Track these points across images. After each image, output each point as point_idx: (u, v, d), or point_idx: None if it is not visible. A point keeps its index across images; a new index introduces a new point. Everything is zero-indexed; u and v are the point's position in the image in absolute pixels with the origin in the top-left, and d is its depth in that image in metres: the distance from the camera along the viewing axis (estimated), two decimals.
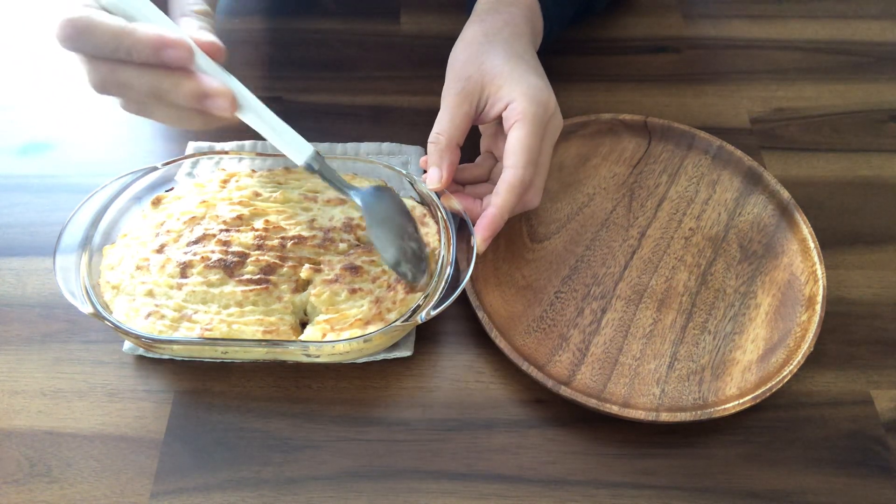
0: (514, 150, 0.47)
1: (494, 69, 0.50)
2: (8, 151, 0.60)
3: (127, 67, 0.39)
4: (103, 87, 0.40)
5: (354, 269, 0.47)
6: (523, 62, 0.51)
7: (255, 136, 0.59)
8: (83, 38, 0.38)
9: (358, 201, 0.46)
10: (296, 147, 0.44)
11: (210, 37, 0.41)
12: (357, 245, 0.49)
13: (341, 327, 0.45)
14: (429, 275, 0.48)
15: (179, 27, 0.42)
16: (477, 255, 0.47)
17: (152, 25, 0.39)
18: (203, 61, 0.41)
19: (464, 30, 0.54)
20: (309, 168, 0.45)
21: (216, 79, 0.40)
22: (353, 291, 0.46)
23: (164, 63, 0.39)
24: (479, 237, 0.47)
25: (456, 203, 0.49)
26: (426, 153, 0.50)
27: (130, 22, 0.39)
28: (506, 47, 0.51)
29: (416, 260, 0.46)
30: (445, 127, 0.49)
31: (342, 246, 0.48)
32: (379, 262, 0.48)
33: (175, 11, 0.43)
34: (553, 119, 0.50)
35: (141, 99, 0.41)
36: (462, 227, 0.49)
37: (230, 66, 0.69)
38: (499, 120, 0.50)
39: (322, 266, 0.47)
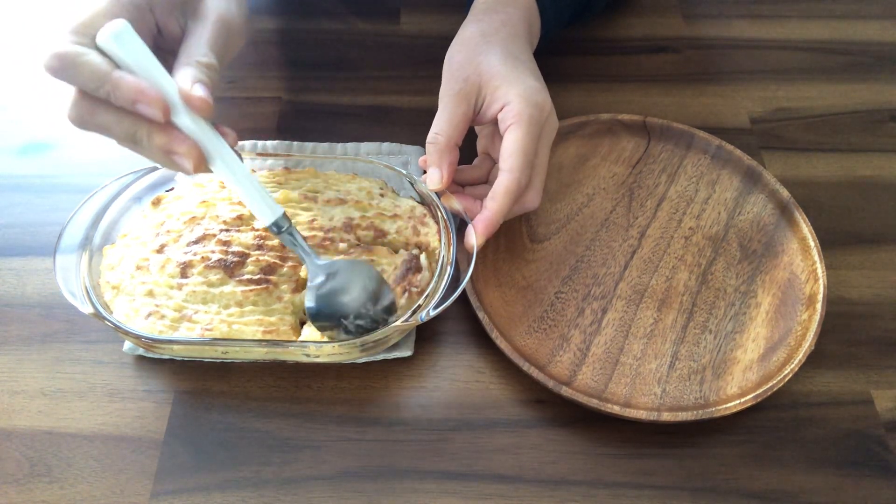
0: (511, 153, 0.47)
1: (492, 70, 0.49)
2: (8, 151, 0.60)
3: (108, 109, 0.40)
4: (81, 123, 0.41)
5: None
6: (520, 63, 0.51)
7: (256, 136, 0.60)
8: (68, 73, 0.39)
9: (310, 270, 0.46)
10: (266, 206, 0.44)
11: (200, 92, 0.41)
12: (357, 245, 0.49)
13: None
14: (429, 274, 0.48)
15: (175, 76, 0.42)
16: (476, 255, 0.47)
17: (133, 77, 0.39)
18: (185, 115, 0.41)
19: (461, 29, 0.54)
20: (274, 228, 0.44)
21: (188, 136, 0.41)
22: None
23: (139, 114, 0.40)
24: (470, 238, 0.47)
25: (456, 203, 0.49)
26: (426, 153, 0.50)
27: (123, 66, 0.40)
28: (503, 48, 0.51)
29: (355, 332, 0.45)
30: (444, 127, 0.49)
31: (342, 246, 0.48)
32: (379, 262, 0.48)
33: (181, 58, 0.43)
34: (549, 120, 0.50)
35: (120, 141, 0.42)
36: (462, 227, 0.49)
37: (233, 66, 0.69)
38: (495, 121, 0.50)
39: None
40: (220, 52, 0.45)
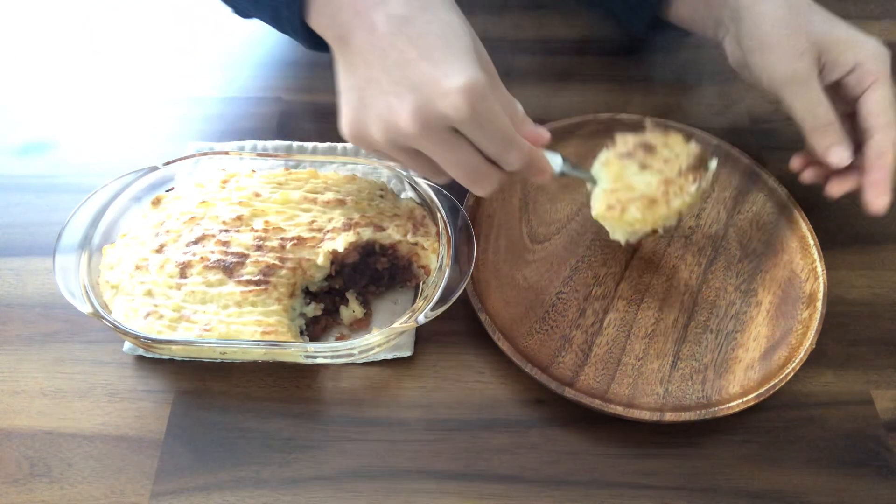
0: (884, 110, 0.49)
1: (824, 35, 0.50)
2: (8, 151, 0.60)
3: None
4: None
5: (648, 147, 0.49)
6: (840, 21, 0.51)
7: (256, 136, 0.60)
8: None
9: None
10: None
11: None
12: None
13: (627, 199, 0.47)
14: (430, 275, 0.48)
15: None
16: (475, 256, 0.47)
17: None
18: None
19: (755, 12, 0.52)
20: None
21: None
22: (644, 167, 0.48)
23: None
24: (879, 201, 0.49)
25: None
26: None
27: None
28: (814, 11, 0.52)
29: None
30: (825, 109, 0.50)
31: (340, 241, 0.48)
32: (672, 147, 0.49)
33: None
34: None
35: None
36: (463, 227, 0.49)
37: (233, 66, 0.69)
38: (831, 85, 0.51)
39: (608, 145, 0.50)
40: None
